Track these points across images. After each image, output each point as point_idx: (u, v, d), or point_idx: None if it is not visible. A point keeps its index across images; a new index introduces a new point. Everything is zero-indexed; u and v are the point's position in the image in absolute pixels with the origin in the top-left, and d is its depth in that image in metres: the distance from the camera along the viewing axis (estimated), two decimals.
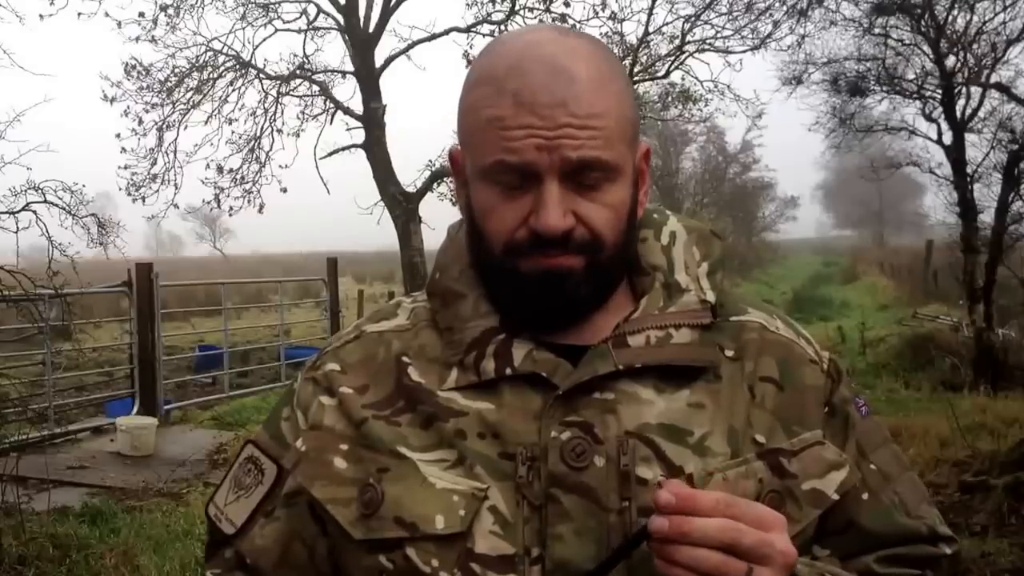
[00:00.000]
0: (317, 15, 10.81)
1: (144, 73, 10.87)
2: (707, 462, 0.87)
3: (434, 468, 0.87)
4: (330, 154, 10.85)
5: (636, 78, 10.46)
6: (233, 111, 11.15)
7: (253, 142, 11.31)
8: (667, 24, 10.56)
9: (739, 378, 0.93)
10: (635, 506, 0.84)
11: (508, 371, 0.88)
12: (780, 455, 0.90)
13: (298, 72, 11.04)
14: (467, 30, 10.55)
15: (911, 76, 11.68)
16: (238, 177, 11.35)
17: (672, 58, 10.81)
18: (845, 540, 0.95)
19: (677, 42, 10.57)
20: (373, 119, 10.48)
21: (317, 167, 11.02)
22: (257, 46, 11.22)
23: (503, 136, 0.85)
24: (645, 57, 10.87)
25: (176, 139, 11.19)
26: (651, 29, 10.37)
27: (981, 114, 10.83)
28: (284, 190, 11.61)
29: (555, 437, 0.86)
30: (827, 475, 0.91)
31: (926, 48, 11.07)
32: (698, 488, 0.85)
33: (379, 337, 0.97)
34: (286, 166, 11.49)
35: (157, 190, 11.20)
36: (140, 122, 11.02)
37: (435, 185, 10.91)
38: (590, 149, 0.84)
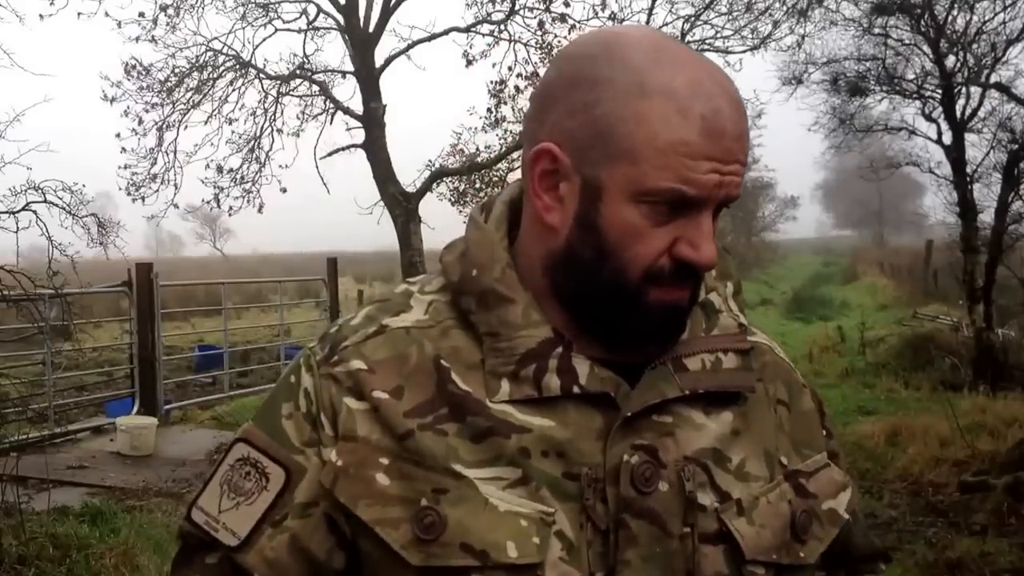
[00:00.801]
0: (317, 15, 10.81)
1: (144, 73, 10.85)
2: (750, 487, 0.87)
3: (491, 487, 0.82)
4: (330, 154, 10.86)
5: None
6: (233, 111, 11.15)
7: (253, 142, 11.30)
8: (667, 24, 10.51)
9: (765, 401, 0.93)
10: (697, 532, 0.84)
11: (576, 389, 0.84)
12: (800, 476, 0.91)
13: (298, 72, 11.02)
14: (467, 30, 10.54)
15: (911, 76, 11.68)
16: (238, 177, 11.34)
17: None
18: (835, 556, 0.97)
19: None
20: (373, 119, 10.47)
21: (317, 167, 11.02)
22: (257, 46, 11.23)
23: (686, 164, 0.79)
24: None
25: (176, 139, 11.18)
26: None
27: (981, 114, 10.83)
28: (284, 190, 11.61)
29: (626, 461, 0.83)
30: (838, 495, 0.93)
31: (926, 48, 11.07)
32: (745, 514, 0.86)
33: (407, 335, 0.89)
34: (286, 166, 11.47)
35: (157, 190, 11.18)
36: (140, 122, 11.02)
37: (435, 185, 10.90)
38: (739, 188, 0.83)
